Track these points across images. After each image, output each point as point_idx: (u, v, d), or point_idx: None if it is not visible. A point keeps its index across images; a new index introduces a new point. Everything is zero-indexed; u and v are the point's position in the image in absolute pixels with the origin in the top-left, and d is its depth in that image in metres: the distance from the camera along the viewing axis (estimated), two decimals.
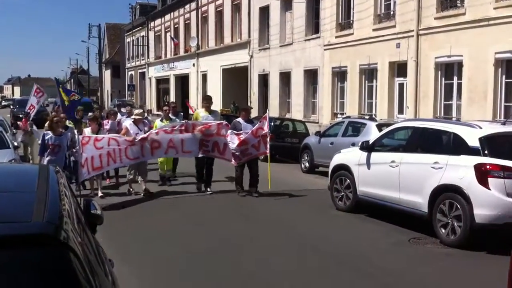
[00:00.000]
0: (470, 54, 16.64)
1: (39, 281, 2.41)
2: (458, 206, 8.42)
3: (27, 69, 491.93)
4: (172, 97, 46.77)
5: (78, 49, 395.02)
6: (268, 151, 12.76)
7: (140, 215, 10.87)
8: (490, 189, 8.12)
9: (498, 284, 7.11)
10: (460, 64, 17.30)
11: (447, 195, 8.67)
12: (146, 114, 15.25)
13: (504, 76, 15.94)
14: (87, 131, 12.51)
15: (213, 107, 14.14)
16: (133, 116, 13.64)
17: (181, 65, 44.58)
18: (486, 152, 8.35)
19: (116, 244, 8.07)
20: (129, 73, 62.54)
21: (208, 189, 12.99)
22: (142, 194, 12.53)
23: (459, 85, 17.47)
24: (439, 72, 18.36)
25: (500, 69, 15.94)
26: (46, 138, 11.09)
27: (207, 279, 7.01)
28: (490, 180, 8.13)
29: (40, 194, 3.01)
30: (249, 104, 31.39)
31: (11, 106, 44.86)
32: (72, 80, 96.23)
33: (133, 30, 58.53)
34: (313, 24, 26.47)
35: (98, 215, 4.11)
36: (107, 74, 71.49)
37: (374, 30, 21.26)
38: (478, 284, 7.09)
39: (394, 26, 20.12)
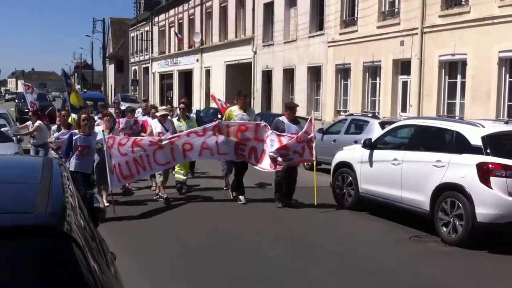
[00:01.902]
0: (474, 53, 16.61)
1: (41, 272, 2.42)
2: (460, 204, 8.42)
3: (31, 63, 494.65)
4: (175, 93, 46.86)
5: (82, 43, 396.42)
6: (314, 159, 11.18)
7: (149, 214, 10.71)
8: (492, 188, 8.11)
9: (500, 282, 7.14)
10: (464, 63, 17.27)
11: (449, 193, 8.67)
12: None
13: (508, 75, 15.91)
14: (99, 129, 10.88)
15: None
16: (157, 114, 12.13)
17: (185, 61, 44.57)
18: (488, 151, 8.34)
19: (118, 239, 8.10)
20: (133, 68, 62.56)
21: (228, 191, 11.83)
22: (156, 198, 11.59)
23: (463, 84, 17.44)
24: (443, 70, 18.32)
25: (504, 68, 15.91)
26: (74, 138, 9.69)
27: (209, 275, 7.03)
28: (492, 179, 8.12)
29: (43, 186, 3.02)
30: (252, 100, 31.38)
31: (16, 100, 44.82)
32: (76, 74, 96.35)
33: (137, 25, 58.53)
34: (317, 21, 26.44)
35: (100, 209, 4.14)
36: (111, 68, 71.58)
37: (378, 27, 21.23)
38: (478, 282, 7.09)
39: (398, 24, 20.09)
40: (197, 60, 41.64)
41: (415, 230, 9.32)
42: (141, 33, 57.04)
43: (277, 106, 29.22)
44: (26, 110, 25.73)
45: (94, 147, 9.98)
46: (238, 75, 34.69)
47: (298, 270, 7.26)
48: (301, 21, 27.16)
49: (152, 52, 53.90)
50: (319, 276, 7.04)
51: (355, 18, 23.09)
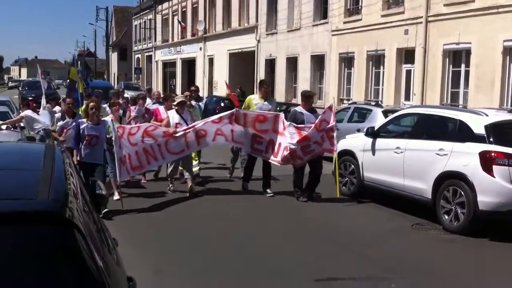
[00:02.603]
0: (479, 42, 16.55)
1: (43, 257, 2.44)
2: (462, 193, 8.44)
3: (34, 51, 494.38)
4: (178, 81, 46.81)
5: (85, 31, 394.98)
6: (335, 148, 10.60)
7: (155, 204, 10.56)
8: (494, 177, 8.12)
9: (500, 270, 7.17)
10: (468, 52, 17.21)
11: (451, 181, 8.68)
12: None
13: None
14: (108, 119, 10.39)
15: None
16: (174, 103, 11.39)
17: (188, 49, 44.50)
18: (491, 139, 8.34)
19: (122, 227, 8.13)
20: (136, 56, 62.52)
21: (268, 190, 11.09)
22: (187, 194, 10.88)
23: (467, 73, 17.39)
24: (447, 59, 18.27)
25: (508, 57, 15.86)
26: (82, 127, 9.27)
27: (211, 264, 7.07)
28: (494, 167, 8.13)
29: (45, 172, 3.03)
30: (255, 88, 31.32)
31: (20, 88, 44.77)
32: (79, 62, 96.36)
33: (141, 13, 58.42)
34: (321, 9, 26.35)
35: (102, 196, 4.15)
36: (114, 57, 71.49)
37: (382, 16, 21.15)
38: (480, 270, 7.12)
39: (402, 12, 20.00)
40: (200, 49, 41.57)
41: (417, 218, 9.34)
42: (144, 22, 56.92)
43: (280, 95, 29.18)
44: (29, 98, 25.58)
45: (104, 136, 9.58)
46: (242, 63, 34.63)
47: (297, 256, 7.28)
48: (305, 9, 27.06)
49: (155, 41, 53.81)
50: (318, 262, 7.05)
51: (359, 7, 22.99)
